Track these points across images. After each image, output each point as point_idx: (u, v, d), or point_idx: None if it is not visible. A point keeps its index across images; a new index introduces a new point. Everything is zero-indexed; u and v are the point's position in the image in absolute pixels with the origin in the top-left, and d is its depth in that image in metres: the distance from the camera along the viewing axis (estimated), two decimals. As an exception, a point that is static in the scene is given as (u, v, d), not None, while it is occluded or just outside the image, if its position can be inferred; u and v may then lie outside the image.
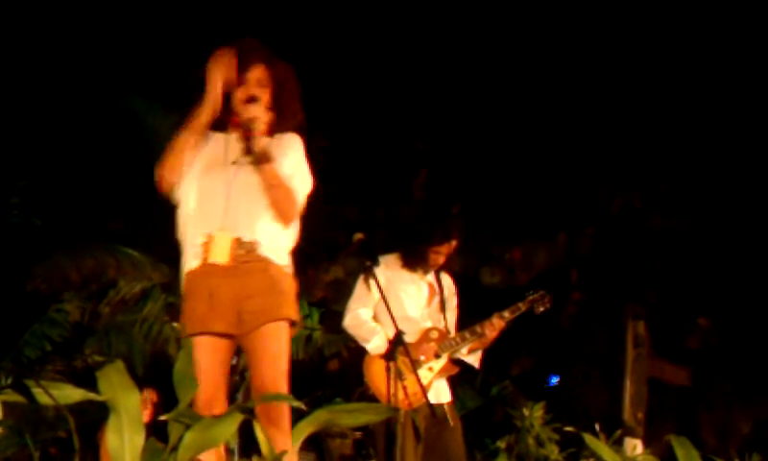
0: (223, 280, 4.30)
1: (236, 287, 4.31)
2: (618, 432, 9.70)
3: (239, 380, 6.74)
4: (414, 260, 6.38)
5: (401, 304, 6.15)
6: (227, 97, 4.46)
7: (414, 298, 6.37)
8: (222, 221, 4.35)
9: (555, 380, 14.30)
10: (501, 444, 9.45)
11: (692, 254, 13.18)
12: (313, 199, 4.56)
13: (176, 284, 11.09)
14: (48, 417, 8.74)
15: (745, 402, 14.30)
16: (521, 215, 13.35)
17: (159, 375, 8.53)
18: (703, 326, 14.22)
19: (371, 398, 6.04)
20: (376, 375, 6.02)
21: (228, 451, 5.77)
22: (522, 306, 6.54)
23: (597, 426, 8.67)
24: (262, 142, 4.38)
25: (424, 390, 5.62)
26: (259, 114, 4.40)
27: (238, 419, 2.92)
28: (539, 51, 12.32)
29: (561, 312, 13.64)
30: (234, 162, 4.43)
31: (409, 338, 5.74)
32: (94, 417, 6.58)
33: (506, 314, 6.42)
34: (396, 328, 5.33)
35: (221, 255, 4.33)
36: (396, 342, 5.40)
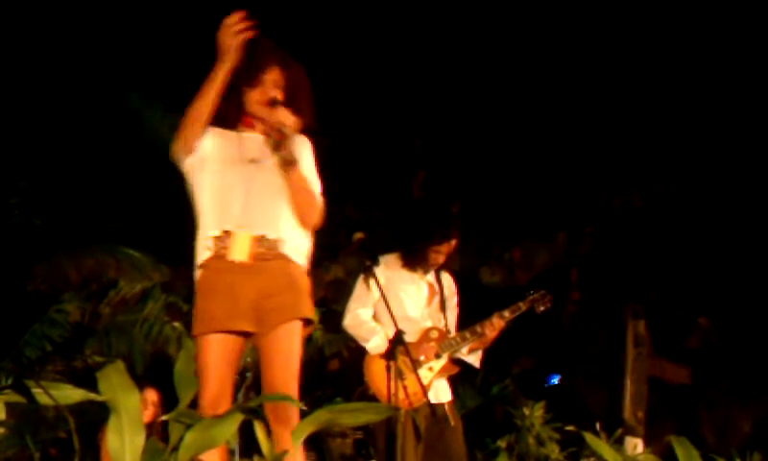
0: (243, 278, 4.30)
1: (257, 285, 4.31)
2: (619, 431, 9.71)
3: (239, 380, 6.75)
4: (414, 260, 6.38)
5: (401, 304, 6.15)
6: (235, 94, 4.47)
7: (414, 297, 6.36)
8: (241, 218, 4.35)
9: (555, 380, 14.30)
10: (502, 443, 9.45)
11: (692, 253, 13.19)
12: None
13: (176, 284, 11.12)
14: (48, 417, 8.75)
15: (745, 401, 14.31)
16: (521, 215, 13.35)
17: (160, 375, 8.52)
18: (703, 325, 14.23)
19: (371, 397, 6.04)
20: (376, 374, 6.02)
21: (229, 452, 5.77)
22: (523, 306, 6.53)
23: (598, 425, 8.68)
24: (291, 146, 4.41)
25: (425, 390, 5.62)
26: (287, 118, 4.41)
27: (239, 419, 2.92)
28: (538, 50, 12.32)
29: (561, 312, 13.64)
30: (252, 161, 4.44)
31: (409, 338, 5.74)
32: (94, 417, 6.58)
33: (506, 314, 6.42)
34: (397, 328, 5.33)
35: (241, 253, 4.32)
36: (397, 342, 5.40)
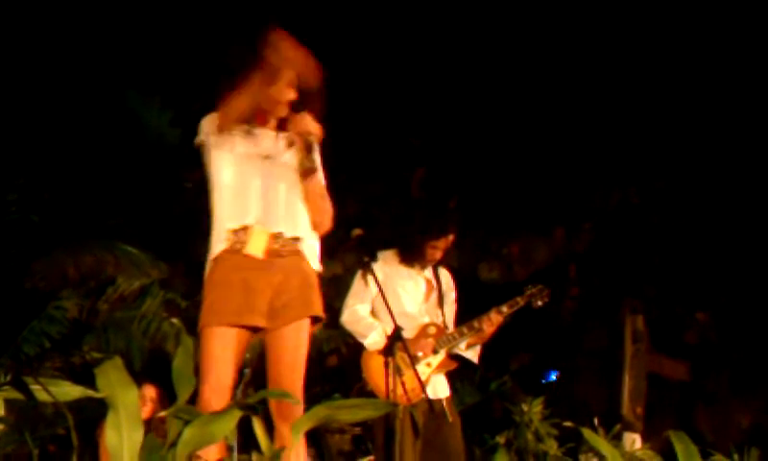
0: (258, 274, 4.32)
1: (271, 281, 4.35)
2: (617, 427, 9.70)
3: (238, 376, 6.75)
4: (411, 256, 6.39)
5: (399, 300, 6.16)
6: (251, 89, 4.46)
7: (411, 293, 6.37)
8: (259, 214, 4.37)
9: (553, 376, 14.30)
10: (500, 439, 9.44)
11: (690, 248, 13.19)
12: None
13: (174, 281, 11.11)
14: (47, 414, 8.74)
15: (743, 397, 14.32)
16: (519, 210, 13.35)
17: (158, 371, 8.52)
18: (701, 320, 14.24)
19: (369, 393, 6.05)
20: (374, 370, 6.02)
21: (228, 448, 5.77)
22: (521, 301, 6.53)
23: (596, 421, 8.67)
24: (314, 154, 4.43)
25: (423, 385, 5.63)
26: (314, 127, 4.43)
27: (237, 415, 2.92)
28: (535, 47, 12.32)
29: (559, 307, 13.65)
30: (267, 157, 4.45)
31: (407, 334, 5.75)
32: (93, 414, 6.57)
33: (504, 309, 6.42)
34: (395, 324, 5.34)
35: (257, 248, 4.35)
36: (395, 338, 5.41)
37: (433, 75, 12.39)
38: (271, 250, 4.35)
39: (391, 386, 5.42)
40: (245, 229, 4.35)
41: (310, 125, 4.44)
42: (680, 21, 11.90)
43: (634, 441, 11.75)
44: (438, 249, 6.39)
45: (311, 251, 4.50)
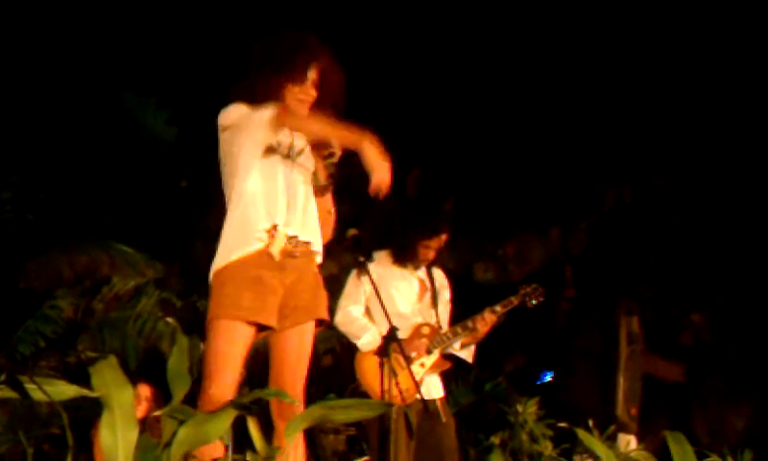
0: (273, 273, 4.30)
1: (284, 282, 4.34)
2: (612, 428, 9.70)
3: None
4: (404, 256, 6.39)
5: (392, 301, 6.15)
6: (276, 86, 4.45)
7: (405, 294, 6.37)
8: (284, 215, 4.36)
9: (548, 377, 14.30)
10: (495, 440, 9.43)
11: (686, 249, 13.20)
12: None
13: (170, 280, 11.10)
14: (42, 413, 8.74)
15: (739, 398, 14.31)
16: (514, 211, 13.35)
17: (153, 371, 8.52)
18: (696, 322, 14.24)
19: (363, 394, 6.05)
20: (368, 371, 6.03)
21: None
22: (514, 300, 6.54)
23: (591, 422, 8.66)
24: (332, 170, 4.45)
25: (417, 385, 5.63)
26: (336, 149, 4.44)
27: (232, 414, 2.92)
28: (531, 46, 12.32)
29: (554, 308, 13.65)
30: (287, 156, 4.44)
31: (400, 334, 5.75)
32: (88, 413, 6.57)
33: (498, 308, 6.42)
34: (390, 324, 5.34)
35: (276, 248, 4.32)
36: (390, 338, 5.41)
37: (429, 75, 12.38)
38: (285, 250, 4.34)
39: (386, 386, 5.42)
40: (275, 228, 4.33)
41: (332, 145, 4.44)
42: (675, 18, 11.90)
43: (628, 442, 11.77)
44: (431, 249, 6.39)
45: (318, 255, 4.53)
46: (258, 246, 4.31)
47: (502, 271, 13.63)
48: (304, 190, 4.46)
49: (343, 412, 3.12)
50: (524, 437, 9.25)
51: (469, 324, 6.36)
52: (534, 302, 6.60)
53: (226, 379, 4.16)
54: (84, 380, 2.80)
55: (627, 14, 12.04)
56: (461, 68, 12.50)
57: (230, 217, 4.38)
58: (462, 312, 6.55)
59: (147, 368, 9.60)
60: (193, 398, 4.01)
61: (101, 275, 10.52)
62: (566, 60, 12.35)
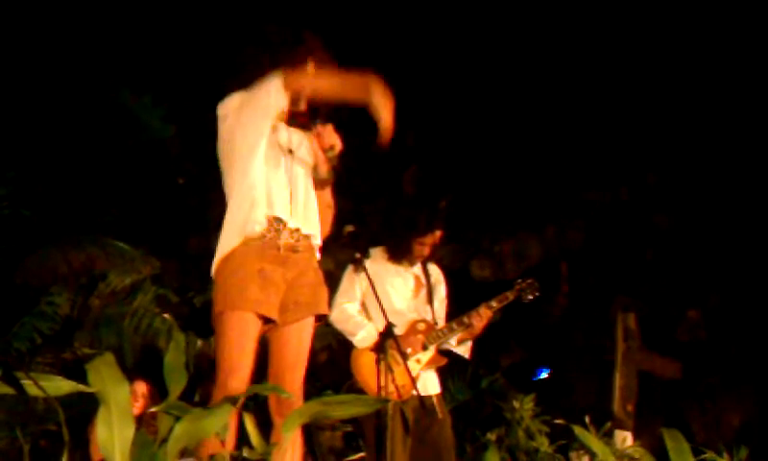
0: (275, 267, 4.31)
1: (286, 276, 4.34)
2: (608, 425, 9.69)
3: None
4: (399, 252, 6.40)
5: (388, 297, 6.17)
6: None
7: (400, 290, 6.38)
8: (287, 207, 4.36)
9: (544, 373, 14.31)
10: (491, 436, 9.45)
11: (683, 245, 13.20)
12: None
13: (166, 277, 11.09)
14: (38, 409, 8.74)
15: (735, 395, 14.32)
16: (511, 208, 13.35)
17: (150, 367, 8.52)
18: (693, 318, 14.24)
19: (359, 391, 6.06)
20: (364, 367, 6.04)
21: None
22: (510, 295, 6.55)
23: (587, 419, 8.67)
24: (333, 165, 4.45)
25: (414, 382, 5.63)
26: (335, 140, 4.46)
27: (229, 410, 2.92)
28: (527, 44, 12.32)
29: (551, 305, 13.65)
30: (289, 151, 4.44)
31: (396, 330, 5.75)
32: (84, 410, 6.57)
33: (493, 303, 6.44)
34: (387, 321, 5.35)
35: (281, 241, 4.33)
36: (387, 335, 5.42)
37: (426, 72, 12.38)
38: (287, 244, 4.34)
39: (382, 383, 5.43)
40: (278, 219, 4.33)
41: (333, 138, 4.45)
42: (670, 18, 11.90)
43: (625, 438, 11.75)
44: (425, 245, 6.40)
45: (318, 249, 4.54)
46: (259, 229, 4.30)
47: (498, 268, 13.63)
48: (305, 184, 4.47)
49: (339, 408, 3.12)
50: (521, 434, 9.26)
51: (465, 319, 6.37)
52: (530, 296, 6.62)
53: (242, 370, 4.15)
54: (80, 377, 2.79)
55: (623, 15, 12.05)
56: (458, 65, 12.50)
57: (231, 207, 4.38)
58: (458, 309, 6.55)
59: (143, 364, 9.61)
60: (190, 394, 4.01)
61: (97, 271, 10.51)
62: (563, 59, 12.35)
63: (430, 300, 6.48)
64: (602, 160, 13.19)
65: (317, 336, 4.43)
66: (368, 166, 12.07)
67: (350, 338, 6.22)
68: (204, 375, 8.60)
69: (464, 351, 6.60)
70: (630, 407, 13.25)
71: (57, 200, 10.95)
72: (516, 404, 9.42)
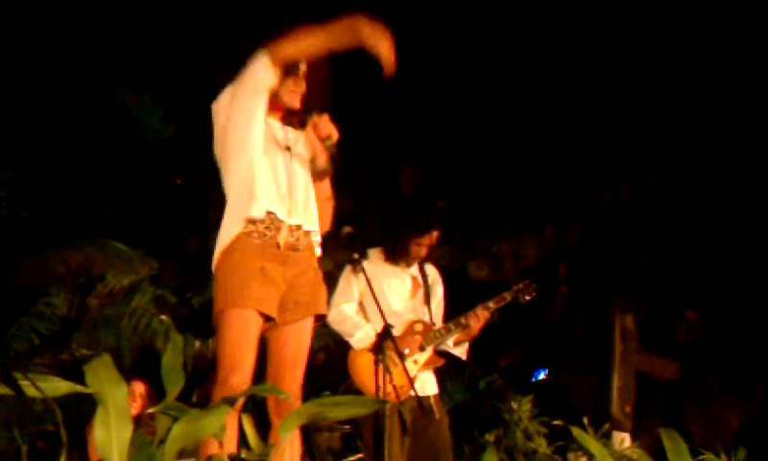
0: (276, 266, 4.29)
1: (286, 275, 4.32)
2: (606, 426, 9.71)
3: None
4: (396, 253, 6.41)
5: (385, 298, 6.16)
6: None
7: (397, 291, 6.39)
8: (286, 205, 4.34)
9: (542, 374, 14.32)
10: (489, 437, 9.46)
11: (681, 245, 13.21)
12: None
13: (164, 277, 11.09)
14: (36, 410, 8.74)
15: (733, 396, 14.33)
16: (509, 208, 13.35)
17: (148, 368, 8.52)
18: (691, 319, 14.24)
19: (356, 392, 6.07)
20: (362, 368, 6.04)
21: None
22: (507, 296, 6.55)
23: (585, 420, 8.68)
24: (331, 156, 4.44)
25: (411, 382, 5.63)
26: (332, 130, 4.46)
27: (226, 411, 2.92)
28: (524, 44, 12.31)
29: (549, 306, 13.65)
30: (287, 148, 4.43)
31: (394, 331, 5.76)
32: (82, 410, 6.57)
33: (491, 304, 6.44)
34: (385, 322, 5.35)
35: (280, 239, 4.31)
36: (384, 335, 5.42)
37: (424, 72, 12.38)
38: (288, 243, 4.33)
39: (380, 384, 5.43)
40: (275, 215, 4.31)
41: (330, 128, 4.44)
42: (668, 14, 11.90)
43: (623, 440, 11.76)
44: (422, 246, 6.41)
45: (317, 247, 4.53)
46: (258, 215, 4.27)
47: (497, 268, 13.63)
48: (305, 181, 4.45)
49: (337, 409, 3.12)
50: (519, 434, 9.28)
51: (462, 320, 6.37)
52: (527, 297, 6.62)
53: (244, 367, 4.13)
54: (78, 377, 2.79)
55: (621, 15, 12.04)
56: (456, 66, 12.49)
57: (230, 199, 4.37)
58: (456, 310, 6.56)
59: (141, 365, 9.60)
60: (187, 395, 4.01)
61: (95, 272, 10.51)
62: (561, 59, 12.35)
63: (427, 300, 6.48)
64: (601, 161, 13.19)
65: (314, 337, 4.42)
66: (365, 166, 12.07)
67: (348, 339, 6.23)
68: (201, 375, 8.61)
69: (461, 352, 6.60)
70: (628, 408, 13.25)
71: (55, 200, 10.94)
72: (514, 405, 9.44)
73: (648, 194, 13.36)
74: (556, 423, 8.95)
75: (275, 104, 4.47)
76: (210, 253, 4.38)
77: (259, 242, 4.27)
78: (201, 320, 9.85)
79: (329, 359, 10.71)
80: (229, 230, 4.32)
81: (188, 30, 11.23)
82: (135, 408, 7.45)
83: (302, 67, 4.47)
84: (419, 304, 6.45)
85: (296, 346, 4.38)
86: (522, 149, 13.01)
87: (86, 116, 11.43)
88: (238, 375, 4.09)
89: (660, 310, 13.94)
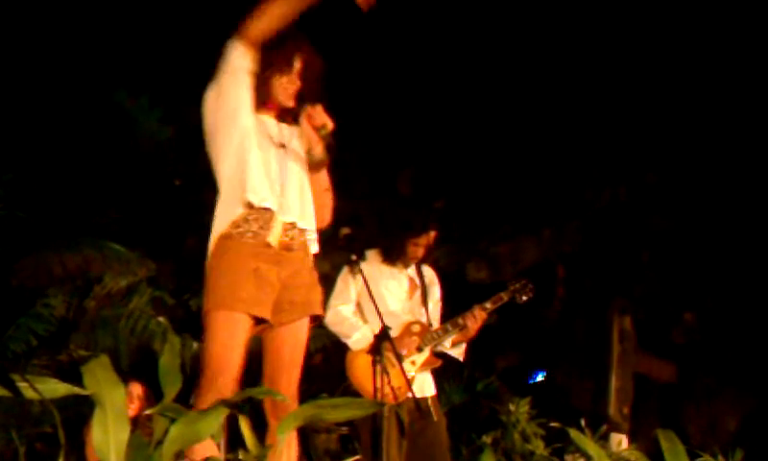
0: (270, 266, 4.24)
1: (281, 275, 4.28)
2: (604, 427, 9.73)
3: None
4: (393, 254, 6.40)
5: (383, 299, 6.16)
6: (263, 77, 4.40)
7: (395, 292, 6.39)
8: (279, 201, 4.30)
9: (540, 376, 14.32)
10: (487, 439, 9.46)
11: (679, 248, 13.21)
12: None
13: (162, 279, 11.09)
14: (33, 412, 8.74)
15: (731, 398, 14.33)
16: (507, 210, 13.35)
17: (145, 369, 8.52)
18: (689, 321, 14.25)
19: (354, 393, 6.06)
20: (359, 370, 6.04)
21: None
22: (504, 297, 6.55)
23: (583, 422, 8.68)
24: (326, 147, 4.41)
25: (409, 384, 5.64)
26: (326, 120, 4.41)
27: (224, 412, 2.92)
28: (523, 45, 12.31)
29: (547, 307, 13.65)
30: (281, 145, 4.42)
31: (391, 332, 5.76)
32: (80, 412, 6.57)
33: (488, 305, 6.44)
34: (382, 323, 5.35)
35: (274, 238, 4.27)
36: (382, 337, 5.42)
37: (422, 73, 12.38)
38: (282, 241, 4.29)
39: (378, 385, 5.43)
40: (268, 211, 4.28)
41: (324, 117, 4.42)
42: (668, 14, 11.90)
43: (620, 441, 11.77)
44: (420, 246, 6.40)
45: (313, 245, 4.48)
46: (255, 200, 4.23)
47: (495, 270, 13.63)
48: (299, 177, 4.42)
49: (335, 411, 3.12)
50: (516, 436, 9.28)
51: (460, 321, 6.37)
52: (524, 297, 6.62)
53: (231, 369, 4.11)
54: (76, 379, 2.79)
55: (620, 15, 12.04)
56: (454, 66, 12.49)
57: (221, 196, 4.34)
58: (454, 311, 6.56)
59: (139, 366, 9.60)
60: (185, 396, 4.00)
61: (93, 273, 10.51)
62: (560, 60, 12.35)
63: (425, 301, 6.48)
64: (600, 161, 13.20)
65: (311, 338, 4.41)
66: (363, 167, 12.07)
67: (345, 340, 6.22)
68: (199, 377, 8.60)
69: (458, 353, 6.60)
70: (625, 410, 13.26)
71: (52, 202, 10.94)
72: (511, 407, 9.45)
73: (647, 195, 13.36)
74: (553, 424, 8.94)
75: (269, 101, 4.44)
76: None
77: (253, 242, 4.24)
78: (198, 322, 9.86)
79: (327, 361, 10.72)
80: (222, 221, 4.29)
81: (186, 32, 11.23)
82: (133, 410, 7.46)
83: (296, 65, 4.45)
84: (416, 305, 6.46)
85: (292, 347, 4.36)
86: (521, 150, 13.01)
87: (84, 118, 11.42)
88: (225, 376, 4.08)
89: (657, 312, 13.94)
